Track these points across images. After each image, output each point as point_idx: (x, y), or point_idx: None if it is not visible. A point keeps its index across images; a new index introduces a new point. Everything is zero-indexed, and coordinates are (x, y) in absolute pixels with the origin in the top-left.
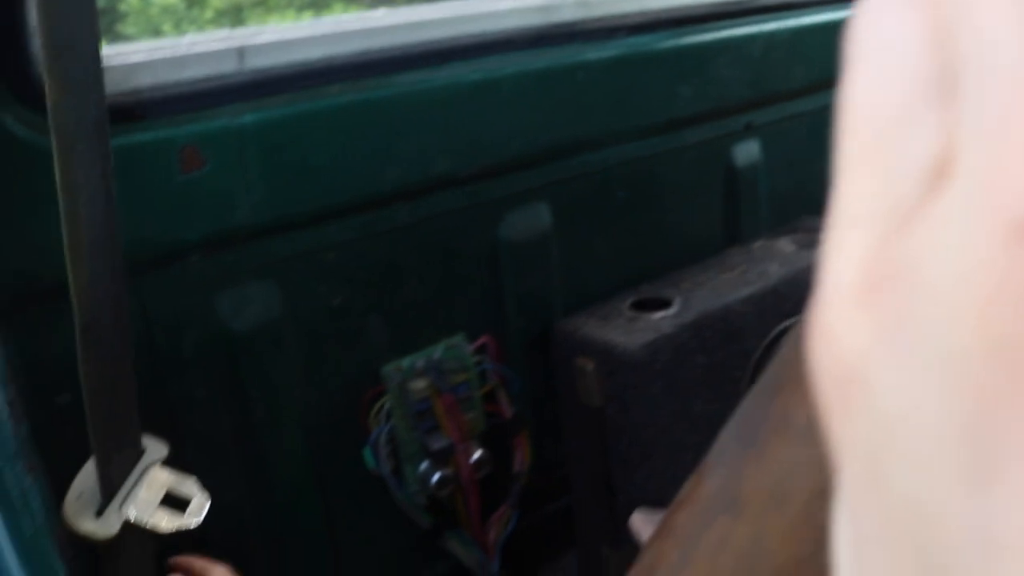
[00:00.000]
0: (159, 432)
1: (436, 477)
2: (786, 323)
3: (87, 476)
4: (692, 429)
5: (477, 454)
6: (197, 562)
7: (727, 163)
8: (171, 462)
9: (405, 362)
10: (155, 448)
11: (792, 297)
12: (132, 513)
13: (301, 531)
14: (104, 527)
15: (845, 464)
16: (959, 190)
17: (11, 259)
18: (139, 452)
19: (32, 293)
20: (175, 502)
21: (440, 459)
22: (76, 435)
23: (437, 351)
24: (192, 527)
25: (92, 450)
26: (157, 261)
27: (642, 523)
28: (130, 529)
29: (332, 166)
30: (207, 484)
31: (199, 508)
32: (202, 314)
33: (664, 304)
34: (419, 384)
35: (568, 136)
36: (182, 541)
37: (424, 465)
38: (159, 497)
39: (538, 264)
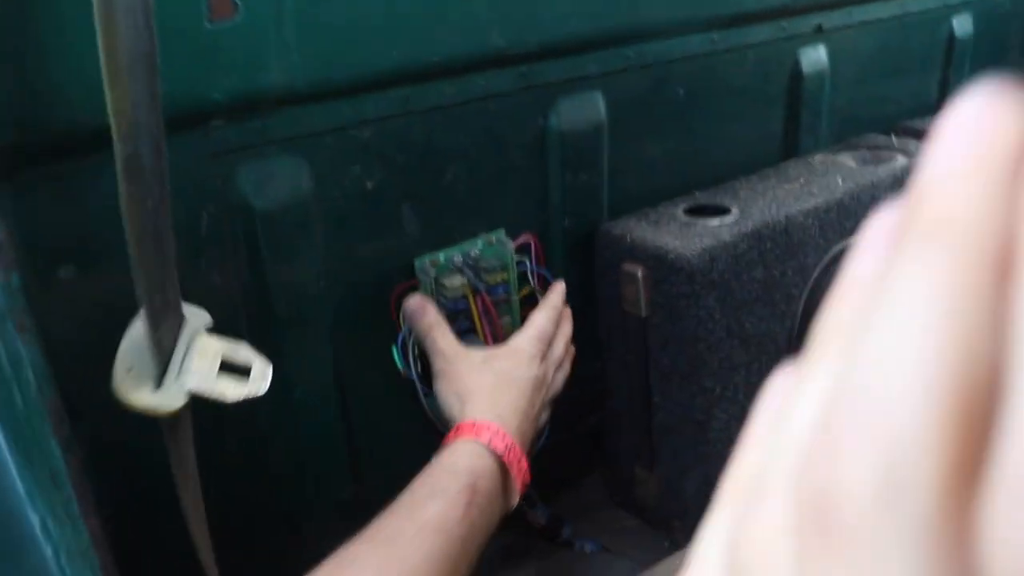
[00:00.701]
0: None
1: None
2: (846, 242)
3: (132, 349)
4: (743, 347)
5: None
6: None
7: (793, 68)
8: None
9: (441, 256)
10: (196, 315)
11: (856, 213)
12: (193, 384)
13: (318, 433)
14: (168, 400)
15: None
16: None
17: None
18: (181, 319)
19: (33, 149)
20: (232, 370)
21: None
22: (78, 312)
23: (476, 246)
24: (260, 394)
25: (143, 314)
26: (176, 121)
27: None
28: (191, 402)
29: (376, 29)
30: None
31: (262, 374)
32: (222, 188)
33: (721, 211)
34: (454, 281)
35: (630, 21)
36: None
37: None
38: (215, 365)
39: (589, 159)
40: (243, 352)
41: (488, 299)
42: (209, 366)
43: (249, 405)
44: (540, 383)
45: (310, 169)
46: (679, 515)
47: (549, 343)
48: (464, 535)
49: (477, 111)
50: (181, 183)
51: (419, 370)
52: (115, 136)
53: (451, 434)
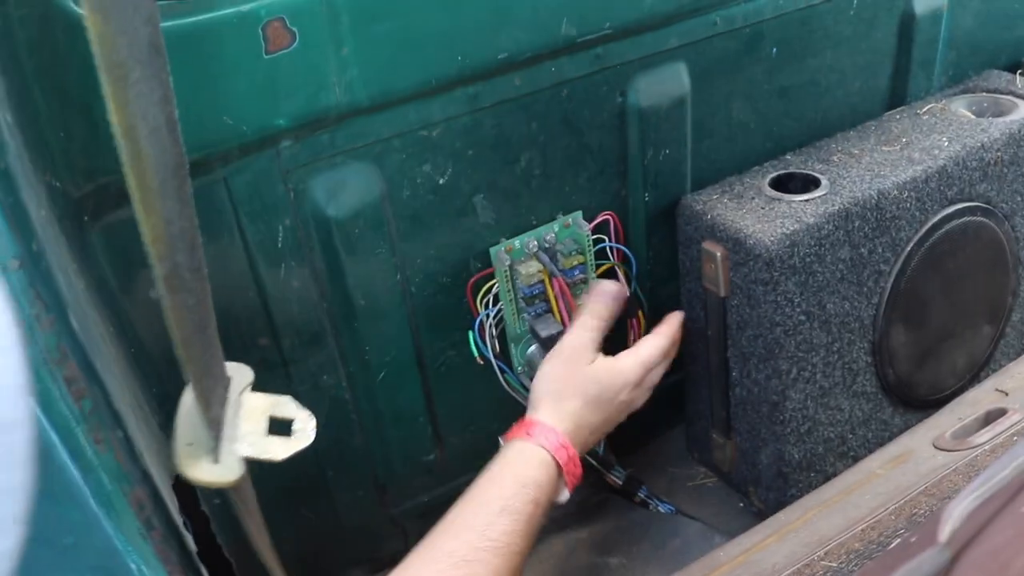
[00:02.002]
0: (254, 325)
1: None
2: (945, 211)
3: (189, 423)
4: (823, 329)
5: None
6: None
7: (904, 9)
8: (268, 352)
9: (516, 242)
10: (240, 373)
11: (960, 180)
12: (245, 450)
13: (402, 409)
14: (225, 473)
15: None
16: None
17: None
18: (227, 381)
19: (115, 190)
20: (278, 426)
21: (550, 345)
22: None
23: (551, 230)
24: (307, 445)
25: (197, 399)
26: (244, 148)
27: None
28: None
29: (437, 35)
30: (304, 372)
31: (306, 426)
32: (296, 201)
33: (810, 183)
34: (530, 268)
35: None
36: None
37: (532, 348)
38: (264, 425)
39: (670, 133)
40: (285, 407)
41: (564, 282)
42: (258, 427)
43: (334, 399)
44: (627, 406)
45: (380, 173)
46: (753, 482)
47: (651, 370)
48: (524, 549)
49: (549, 98)
50: (255, 203)
51: (496, 350)
52: (153, 258)
53: (527, 425)
